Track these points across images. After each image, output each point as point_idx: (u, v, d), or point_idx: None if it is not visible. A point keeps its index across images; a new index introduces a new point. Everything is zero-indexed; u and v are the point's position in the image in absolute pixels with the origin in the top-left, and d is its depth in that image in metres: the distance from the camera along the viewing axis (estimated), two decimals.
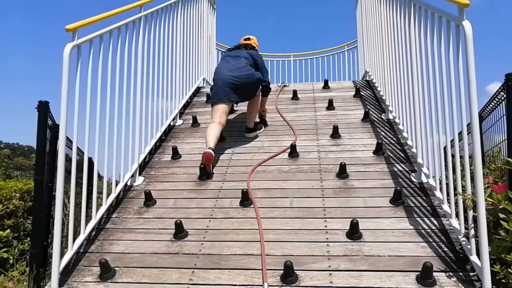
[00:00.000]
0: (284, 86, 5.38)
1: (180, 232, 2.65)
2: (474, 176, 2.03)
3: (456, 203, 2.36)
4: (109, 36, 2.97)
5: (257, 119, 4.19)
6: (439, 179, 2.67)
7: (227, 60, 4.02)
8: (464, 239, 2.26)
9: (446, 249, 2.35)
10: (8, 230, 3.42)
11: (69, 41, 2.45)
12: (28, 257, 3.23)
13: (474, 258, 2.11)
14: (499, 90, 3.04)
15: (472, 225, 2.13)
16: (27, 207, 3.70)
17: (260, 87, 4.05)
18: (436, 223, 2.58)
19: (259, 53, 4.28)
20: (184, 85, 4.80)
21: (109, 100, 2.95)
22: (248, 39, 4.42)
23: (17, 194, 3.69)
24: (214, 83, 3.98)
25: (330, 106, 4.49)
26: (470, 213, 2.16)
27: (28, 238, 3.47)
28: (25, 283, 2.83)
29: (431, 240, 2.43)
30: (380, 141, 3.47)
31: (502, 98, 2.98)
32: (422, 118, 2.95)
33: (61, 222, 2.29)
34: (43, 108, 2.52)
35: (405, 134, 3.53)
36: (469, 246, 2.17)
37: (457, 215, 2.35)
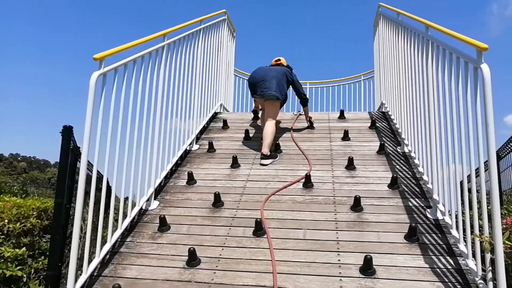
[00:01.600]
0: (300, 114, 5.43)
1: (193, 260, 2.66)
2: (491, 217, 2.02)
3: (473, 243, 2.33)
4: (133, 64, 3.07)
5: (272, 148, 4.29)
6: (456, 217, 2.65)
7: (261, 69, 4.67)
8: (482, 281, 2.22)
9: None
10: (24, 248, 3.47)
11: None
12: (41, 276, 3.27)
13: None
14: None
15: (490, 268, 2.10)
16: (43, 226, 3.76)
17: (281, 103, 4.57)
18: (452, 263, 2.54)
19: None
20: (202, 111, 4.89)
21: (129, 126, 3.02)
22: (279, 60, 4.88)
23: (34, 213, 3.74)
24: (250, 83, 4.67)
25: (346, 136, 4.51)
26: (488, 256, 2.13)
27: (43, 257, 3.51)
28: None
29: (446, 280, 2.39)
30: (395, 175, 3.47)
31: None
32: (439, 154, 2.95)
33: (77, 247, 2.34)
34: (67, 133, 2.59)
35: (420, 169, 3.52)
36: None
37: (474, 255, 2.32)
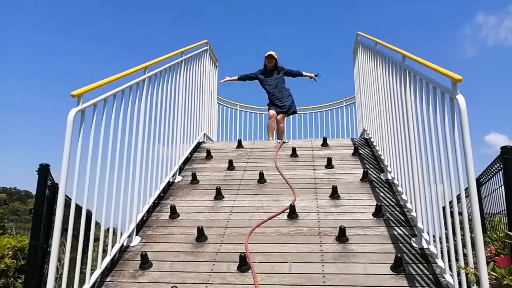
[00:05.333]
0: (284, 142, 5.44)
1: None
2: (475, 247, 2.00)
3: (459, 272, 2.31)
4: (113, 99, 3.04)
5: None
6: (440, 246, 2.63)
7: (274, 88, 6.28)
8: None
9: None
10: None
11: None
12: None
13: None
14: (496, 160, 3.08)
15: None
16: (19, 266, 3.62)
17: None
18: None
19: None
20: (185, 141, 4.86)
21: (109, 162, 2.96)
22: (274, 58, 6.26)
23: (9, 252, 3.62)
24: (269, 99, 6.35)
25: (329, 164, 4.52)
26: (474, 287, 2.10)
27: None
28: None
29: None
30: (379, 203, 3.46)
31: (499, 167, 3.01)
32: (421, 182, 2.96)
33: None
34: (43, 172, 2.53)
35: (404, 196, 3.53)
36: None
37: (460, 285, 2.29)
